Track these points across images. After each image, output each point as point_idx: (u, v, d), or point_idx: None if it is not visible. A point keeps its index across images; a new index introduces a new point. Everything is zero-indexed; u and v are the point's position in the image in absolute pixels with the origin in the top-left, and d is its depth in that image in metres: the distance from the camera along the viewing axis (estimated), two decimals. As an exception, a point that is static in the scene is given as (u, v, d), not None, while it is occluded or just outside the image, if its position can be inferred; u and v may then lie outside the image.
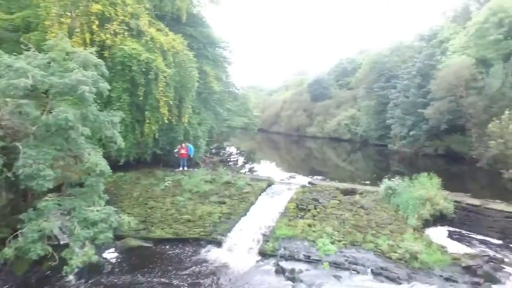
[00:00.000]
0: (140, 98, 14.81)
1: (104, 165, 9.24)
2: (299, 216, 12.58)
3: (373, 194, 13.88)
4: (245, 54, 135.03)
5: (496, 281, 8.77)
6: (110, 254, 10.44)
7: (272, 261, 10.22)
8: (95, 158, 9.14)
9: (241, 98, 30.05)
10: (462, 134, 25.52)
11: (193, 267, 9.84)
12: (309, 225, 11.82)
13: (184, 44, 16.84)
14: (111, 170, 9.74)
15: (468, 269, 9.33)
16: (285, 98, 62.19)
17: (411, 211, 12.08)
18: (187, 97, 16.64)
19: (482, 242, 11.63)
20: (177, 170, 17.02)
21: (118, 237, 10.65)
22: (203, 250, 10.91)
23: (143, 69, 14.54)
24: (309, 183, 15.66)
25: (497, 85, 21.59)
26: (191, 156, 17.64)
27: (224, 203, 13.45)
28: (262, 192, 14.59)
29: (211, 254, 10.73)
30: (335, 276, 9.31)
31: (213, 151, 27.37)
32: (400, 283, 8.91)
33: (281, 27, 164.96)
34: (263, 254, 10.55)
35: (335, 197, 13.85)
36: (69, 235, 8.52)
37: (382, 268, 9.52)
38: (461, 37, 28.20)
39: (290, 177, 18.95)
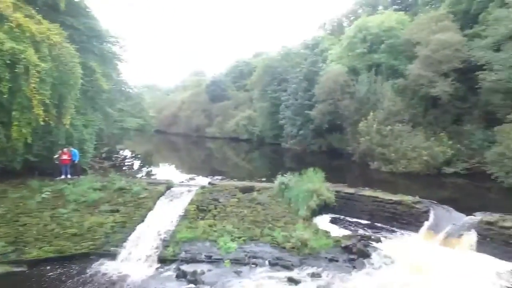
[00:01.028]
0: (5, 96, 12.40)
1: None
2: (200, 217, 12.56)
3: (269, 190, 14.87)
4: (140, 52, 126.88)
5: (366, 255, 10.49)
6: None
7: (173, 266, 9.93)
8: None
9: (135, 97, 28.19)
10: (340, 133, 29.52)
11: (81, 286, 8.79)
12: (210, 225, 11.91)
13: (64, 36, 14.81)
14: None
15: (346, 249, 10.87)
16: (183, 99, 60.99)
17: (301, 203, 13.41)
18: (69, 96, 14.71)
19: (356, 224, 13.75)
20: (58, 178, 14.94)
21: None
22: (94, 266, 9.85)
23: (8, 61, 12.21)
24: (209, 183, 15.78)
25: (364, 91, 25.81)
26: (76, 162, 15.70)
27: (117, 211, 12.41)
28: (161, 196, 14.01)
29: (104, 268, 9.77)
30: (236, 272, 9.62)
31: (104, 155, 24.90)
32: (293, 270, 9.79)
33: (178, 26, 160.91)
34: (163, 260, 10.16)
35: (235, 195, 14.30)
36: None
37: (277, 258, 10.28)
38: (337, 48, 32.66)
39: (190, 178, 18.72)
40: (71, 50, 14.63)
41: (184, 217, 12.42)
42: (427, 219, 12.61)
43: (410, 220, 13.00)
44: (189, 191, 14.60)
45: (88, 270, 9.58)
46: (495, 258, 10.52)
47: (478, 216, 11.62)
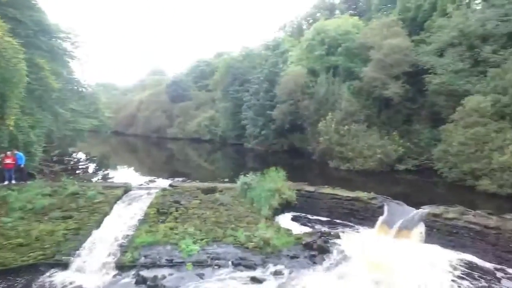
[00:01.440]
0: None
1: None
2: (160, 220, 12.19)
3: (232, 190, 14.82)
4: (96, 49, 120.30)
5: (326, 251, 10.84)
6: None
7: (132, 272, 9.54)
8: None
9: (89, 97, 26.67)
10: (301, 133, 30.25)
11: (29, 301, 8.15)
12: (171, 228, 11.61)
13: (5, 29, 13.61)
14: None
15: (307, 246, 11.15)
16: (142, 99, 58.86)
17: (264, 202, 13.53)
18: (13, 95, 13.54)
19: (316, 221, 14.16)
20: (1, 184, 13.69)
21: None
22: (42, 278, 9.17)
23: None
24: (170, 185, 15.37)
25: (323, 92, 26.69)
26: (22, 166, 14.52)
27: (70, 217, 11.67)
28: (118, 200, 13.40)
29: (55, 279, 9.14)
30: (198, 275, 9.47)
31: (55, 158, 23.29)
32: (256, 269, 9.85)
33: (138, 24, 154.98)
34: (121, 267, 9.71)
35: (196, 197, 14.08)
36: None
37: (241, 258, 10.28)
38: (297, 50, 33.45)
39: (150, 181, 18.11)
40: (14, 45, 13.48)
41: (143, 221, 11.99)
42: (381, 214, 13.32)
43: (366, 216, 13.66)
44: (148, 194, 14.12)
45: (35, 283, 8.91)
46: (442, 247, 11.38)
47: (425, 209, 12.51)
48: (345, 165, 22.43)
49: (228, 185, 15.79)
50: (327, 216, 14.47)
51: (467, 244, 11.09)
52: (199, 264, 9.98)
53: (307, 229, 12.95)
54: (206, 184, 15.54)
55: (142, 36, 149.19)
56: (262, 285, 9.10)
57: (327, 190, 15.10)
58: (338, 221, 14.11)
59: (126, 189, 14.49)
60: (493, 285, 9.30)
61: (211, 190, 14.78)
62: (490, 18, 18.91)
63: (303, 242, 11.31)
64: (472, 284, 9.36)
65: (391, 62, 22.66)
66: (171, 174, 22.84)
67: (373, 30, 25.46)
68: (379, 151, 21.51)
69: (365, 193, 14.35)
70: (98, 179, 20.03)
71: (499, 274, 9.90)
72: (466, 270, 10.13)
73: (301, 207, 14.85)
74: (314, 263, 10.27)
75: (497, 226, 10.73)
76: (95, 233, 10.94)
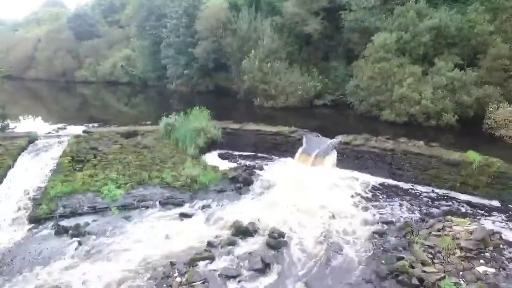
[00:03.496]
0: None
1: None
2: (77, 168, 11.42)
3: (154, 133, 14.33)
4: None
5: (250, 182, 11.59)
6: None
7: (51, 224, 9.02)
8: None
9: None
10: (226, 71, 29.54)
11: None
12: (91, 176, 11.02)
13: None
14: None
15: (233, 179, 11.74)
16: (39, 36, 49.88)
17: (189, 142, 13.48)
18: None
19: (242, 156, 14.79)
20: None
21: None
22: None
23: None
24: (84, 131, 14.14)
25: (245, 28, 25.89)
26: None
27: (-38, 175, 10.15)
28: (22, 151, 11.97)
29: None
30: (125, 218, 9.40)
31: None
32: (184, 205, 10.14)
33: None
34: (36, 220, 9.10)
35: (117, 141, 13.33)
36: None
37: (168, 197, 10.43)
38: (217, -19, 30.98)
39: (60, 128, 16.30)
40: None
41: (57, 171, 11.09)
42: (301, 146, 14.46)
43: (288, 148, 14.70)
44: (60, 142, 12.86)
45: None
46: (350, 170, 13.06)
47: (338, 139, 13.93)
48: (269, 102, 23.09)
49: (150, 127, 15.17)
50: (252, 151, 15.17)
51: (370, 165, 12.89)
52: (125, 207, 9.87)
53: (233, 165, 13.50)
54: (126, 128, 14.68)
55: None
56: (191, 219, 9.48)
57: (251, 126, 15.59)
58: (262, 155, 14.94)
59: (31, 138, 12.92)
60: (384, 194, 11.22)
61: (132, 134, 14.08)
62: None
63: (229, 177, 11.86)
64: (368, 194, 11.16)
65: (311, -3, 22.68)
66: (87, 121, 20.82)
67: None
68: (300, 87, 22.47)
69: (287, 127, 15.23)
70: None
71: (391, 186, 11.92)
72: (367, 185, 11.94)
73: (227, 144, 15.21)
74: (240, 194, 10.96)
75: (392, 149, 12.59)
76: (-1, 189, 9.82)
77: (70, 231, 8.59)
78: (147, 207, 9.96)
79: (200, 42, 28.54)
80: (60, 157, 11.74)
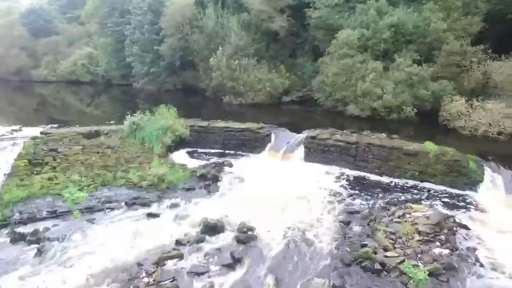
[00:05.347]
0: None
1: None
2: (35, 172, 10.83)
3: (119, 132, 13.86)
4: None
5: (219, 179, 11.55)
6: None
7: (6, 231, 8.49)
8: None
9: None
10: (194, 69, 29.13)
11: None
12: (50, 179, 10.49)
13: None
14: None
15: (201, 177, 11.65)
16: (-10, 32, 46.36)
17: (155, 141, 13.18)
18: None
19: (211, 154, 14.68)
20: None
21: None
22: None
23: None
24: (42, 133, 13.37)
25: (212, 25, 25.64)
26: None
27: None
28: (-28, 155, 11.14)
29: None
30: (88, 221, 9.03)
31: None
32: (151, 205, 9.91)
33: None
34: (-11, 228, 8.51)
35: (78, 142, 12.75)
36: None
37: (135, 198, 10.15)
38: (183, -23, 30.36)
39: (14, 130, 15.26)
40: None
41: (12, 175, 10.46)
42: (269, 141, 14.61)
43: (256, 144, 14.77)
44: (14, 144, 12.11)
45: None
46: (317, 163, 13.38)
47: (305, 134, 14.21)
48: (238, 99, 23.05)
49: (114, 127, 14.64)
50: (221, 148, 15.10)
51: (336, 158, 13.28)
52: (88, 210, 9.51)
53: (202, 162, 13.38)
54: (87, 128, 14.04)
55: None
56: (159, 218, 9.30)
57: (219, 123, 15.51)
58: (231, 151, 14.91)
59: (-20, 141, 12.05)
60: (350, 185, 11.62)
61: (95, 134, 13.52)
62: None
63: (198, 174, 11.76)
64: (334, 186, 11.52)
65: (277, -6, 22.88)
66: (46, 122, 19.71)
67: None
68: (268, 84, 22.62)
69: (255, 124, 15.30)
70: None
71: (356, 177, 12.36)
72: (333, 177, 12.30)
73: (195, 142, 15.05)
74: (209, 191, 10.89)
75: (356, 141, 13.03)
76: None
77: (28, 238, 8.13)
78: (112, 209, 9.64)
79: (166, 40, 27.90)
80: (15, 160, 11.05)
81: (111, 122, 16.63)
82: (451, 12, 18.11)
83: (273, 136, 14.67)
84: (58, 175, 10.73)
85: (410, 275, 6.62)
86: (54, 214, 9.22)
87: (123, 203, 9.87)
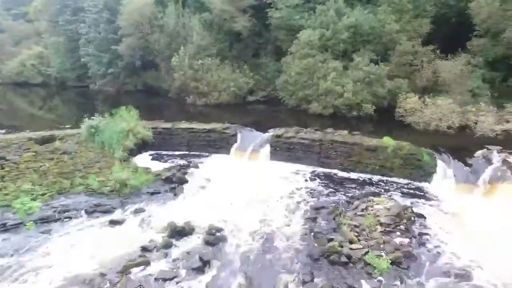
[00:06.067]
0: None
1: None
2: (-20, 183, 9.87)
3: (76, 136, 13.08)
4: None
5: (185, 181, 11.31)
6: None
7: None
8: None
9: None
10: (155, 70, 28.26)
11: None
12: (-2, 190, 9.62)
13: None
14: None
15: (166, 180, 11.34)
16: None
17: (116, 144, 12.61)
18: None
19: (176, 156, 14.35)
20: None
21: None
22: None
23: None
24: (-13, 140, 12.27)
25: (173, 24, 25.04)
26: None
27: None
28: None
29: None
30: (43, 232, 8.43)
31: None
32: (114, 212, 9.47)
33: None
34: None
35: (29, 149, 11.82)
36: None
37: (95, 205, 9.63)
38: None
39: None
40: None
41: (-48, 187, 9.44)
42: (235, 141, 14.54)
43: (222, 144, 14.66)
44: (-46, 154, 10.96)
45: None
46: (283, 162, 13.56)
47: (270, 133, 14.33)
48: (202, 100, 22.73)
49: (71, 131, 13.79)
50: (186, 150, 14.81)
51: (301, 155, 13.54)
52: (43, 221, 8.87)
53: (167, 165, 13.02)
54: (40, 133, 13.07)
55: None
56: (123, 225, 8.92)
57: (183, 125, 15.20)
58: (196, 153, 14.68)
59: None
60: (315, 181, 11.91)
61: (49, 139, 12.63)
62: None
63: (163, 177, 11.44)
64: (300, 182, 11.75)
65: (238, -6, 22.84)
66: (-9, 128, 18.14)
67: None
68: (232, 84, 22.54)
69: (220, 124, 15.16)
70: None
71: (320, 174, 12.67)
72: (298, 174, 12.54)
73: (159, 144, 14.62)
74: (175, 194, 10.62)
75: (320, 139, 13.38)
76: None
77: (-27, 255, 7.42)
78: (70, 218, 9.08)
79: (124, 39, 26.79)
80: (-45, 170, 10.04)
81: (67, 126, 15.66)
82: (403, 14, 19.18)
83: (239, 136, 14.63)
84: (7, 184, 9.90)
85: (374, 265, 6.92)
86: (3, 227, 8.50)
87: (82, 211, 9.33)
